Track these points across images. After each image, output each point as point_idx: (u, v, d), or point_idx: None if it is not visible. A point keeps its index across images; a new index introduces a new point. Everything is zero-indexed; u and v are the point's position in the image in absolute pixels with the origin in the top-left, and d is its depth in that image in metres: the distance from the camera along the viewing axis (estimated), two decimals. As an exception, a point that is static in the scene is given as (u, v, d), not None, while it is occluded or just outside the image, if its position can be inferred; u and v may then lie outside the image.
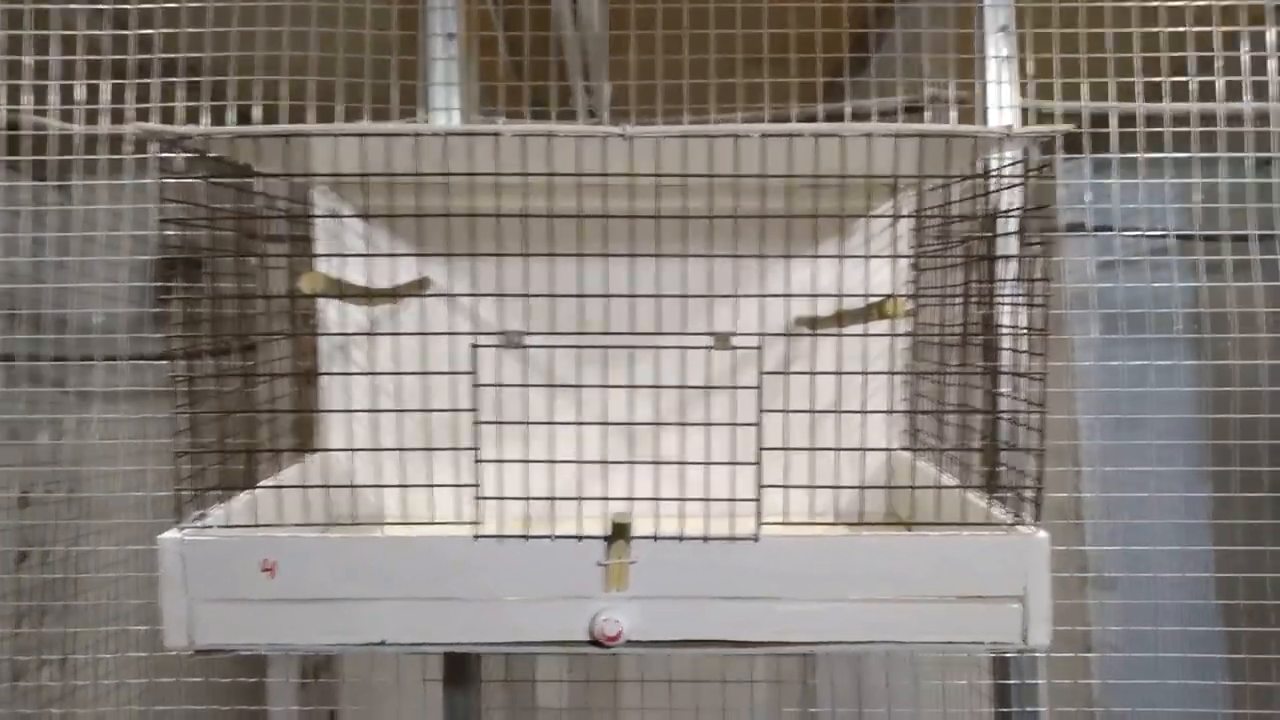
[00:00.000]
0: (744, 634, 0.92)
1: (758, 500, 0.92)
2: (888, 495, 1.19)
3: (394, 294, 1.04)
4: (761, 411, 0.92)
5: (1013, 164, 1.02)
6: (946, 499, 1.05)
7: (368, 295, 0.91)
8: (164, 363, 0.91)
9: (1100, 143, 1.38)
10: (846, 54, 1.52)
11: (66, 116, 1.30)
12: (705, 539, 0.91)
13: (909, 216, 1.22)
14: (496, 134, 0.89)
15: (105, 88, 1.29)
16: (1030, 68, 1.39)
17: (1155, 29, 1.39)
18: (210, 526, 0.92)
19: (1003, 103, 1.40)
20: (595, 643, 0.91)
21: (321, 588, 0.91)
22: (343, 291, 0.88)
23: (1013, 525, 0.94)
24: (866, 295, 1.05)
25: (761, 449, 0.93)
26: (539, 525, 0.92)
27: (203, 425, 0.95)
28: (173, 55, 1.32)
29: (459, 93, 1.40)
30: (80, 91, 1.29)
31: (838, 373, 0.97)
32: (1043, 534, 0.92)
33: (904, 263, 1.32)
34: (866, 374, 0.99)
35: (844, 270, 1.14)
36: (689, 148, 0.92)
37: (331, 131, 0.89)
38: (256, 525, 0.93)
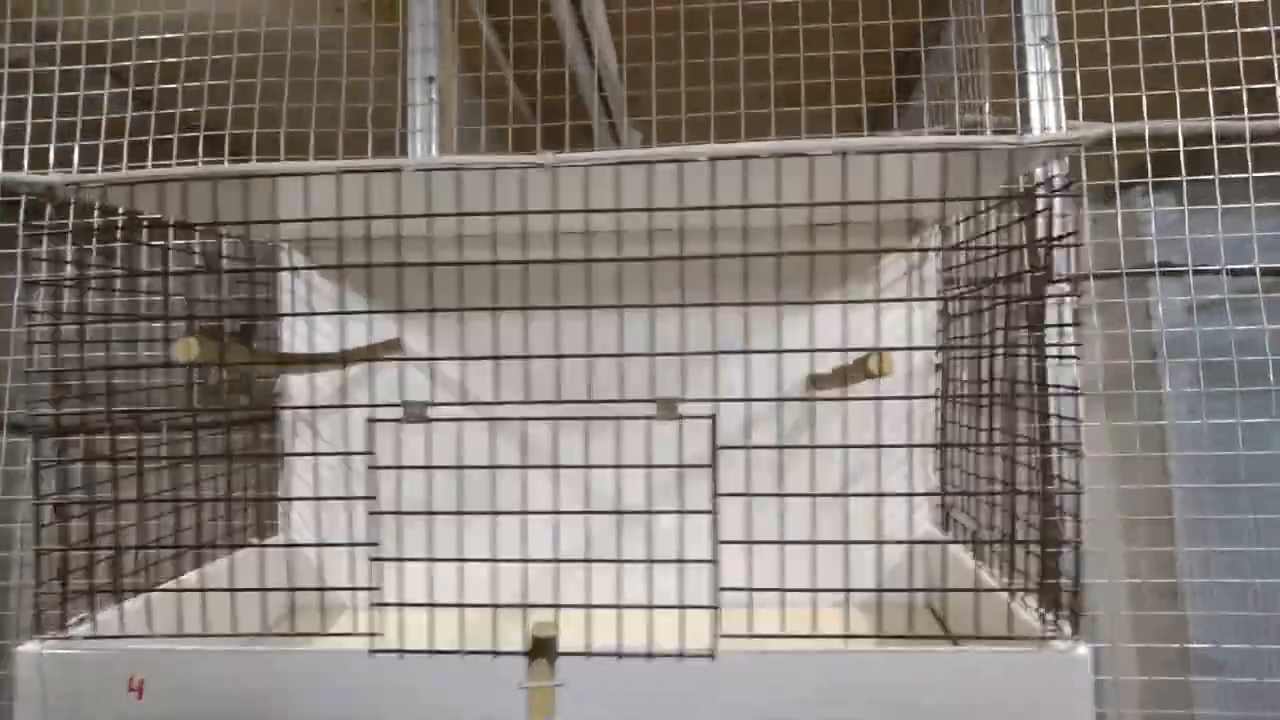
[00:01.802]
0: (701, 776, 0.74)
1: (715, 608, 0.74)
2: (923, 587, 0.99)
3: (309, 360, 0.90)
4: (716, 496, 0.75)
5: (1035, 186, 0.83)
6: (986, 603, 0.85)
7: (252, 362, 0.77)
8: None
9: (1165, 166, 1.18)
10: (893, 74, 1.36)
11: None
12: (649, 656, 0.74)
13: (931, 250, 1.03)
14: (397, 169, 0.75)
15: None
16: (1079, 84, 1.21)
17: (1231, 30, 1.18)
18: (72, 637, 0.78)
19: (1047, 124, 1.21)
20: (515, 785, 0.74)
21: (199, 711, 0.77)
22: (224, 358, 0.74)
23: (1046, 639, 0.73)
24: (871, 350, 0.86)
25: (719, 542, 0.75)
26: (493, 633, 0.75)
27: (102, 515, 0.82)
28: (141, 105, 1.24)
29: (436, 139, 1.28)
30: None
31: (810, 447, 0.79)
32: (1082, 649, 0.72)
33: (930, 312, 1.14)
34: (846, 447, 0.80)
35: (849, 322, 0.96)
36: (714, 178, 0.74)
37: (204, 174, 0.76)
38: (122, 636, 0.79)
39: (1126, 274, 1.33)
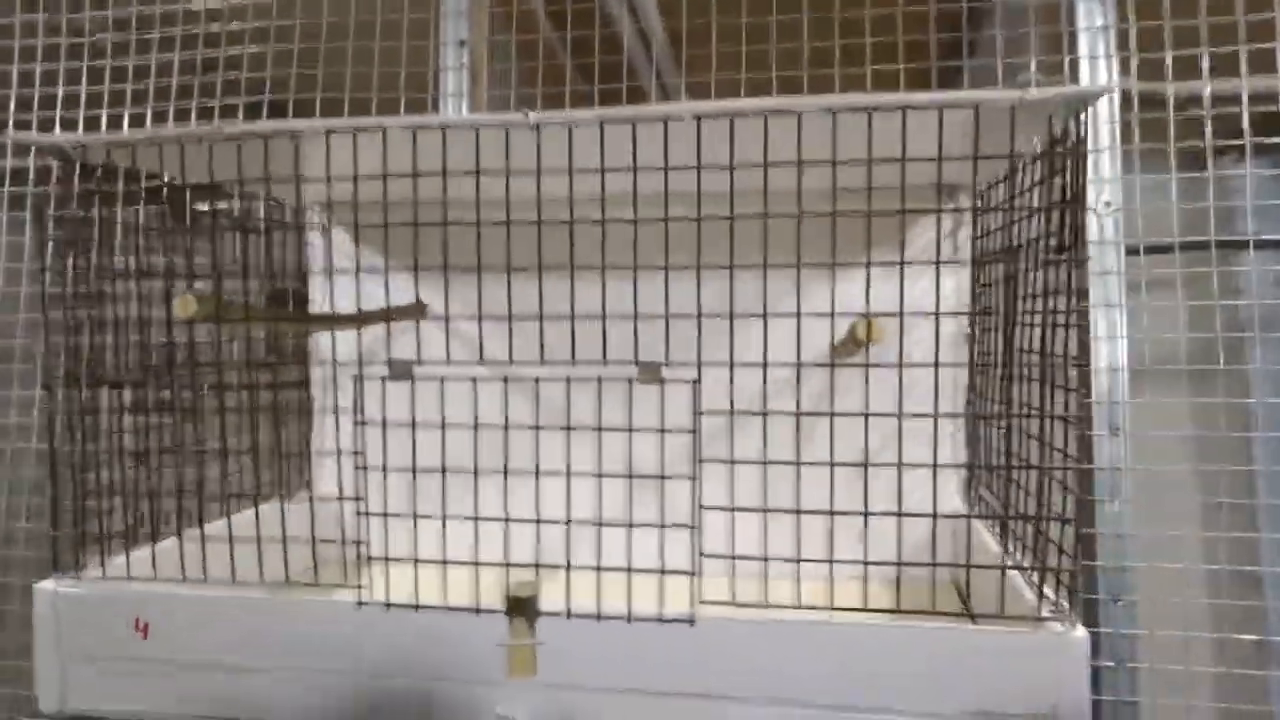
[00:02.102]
0: (678, 742, 0.73)
1: (693, 574, 0.73)
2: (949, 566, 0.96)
3: (320, 320, 0.91)
4: (699, 462, 0.74)
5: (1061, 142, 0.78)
6: (995, 580, 0.82)
7: (247, 319, 0.78)
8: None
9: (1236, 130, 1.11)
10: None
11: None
12: (629, 619, 0.73)
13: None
14: (381, 128, 0.75)
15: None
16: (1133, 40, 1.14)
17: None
18: (82, 578, 0.82)
19: (1098, 84, 1.15)
20: (494, 740, 0.74)
21: (196, 653, 0.79)
22: (221, 316, 0.76)
23: (1041, 620, 0.70)
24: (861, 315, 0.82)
25: (701, 507, 0.74)
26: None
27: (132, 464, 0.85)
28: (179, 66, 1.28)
29: (468, 103, 1.28)
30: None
31: (795, 414, 0.76)
32: (1079, 632, 0.68)
33: (963, 281, 1.09)
34: (832, 415, 0.77)
35: (875, 291, 0.92)
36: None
37: (200, 134, 0.77)
38: (129, 578, 0.82)
39: (1216, 244, 1.25)
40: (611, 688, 0.74)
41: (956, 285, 1.11)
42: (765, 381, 0.77)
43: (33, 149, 0.93)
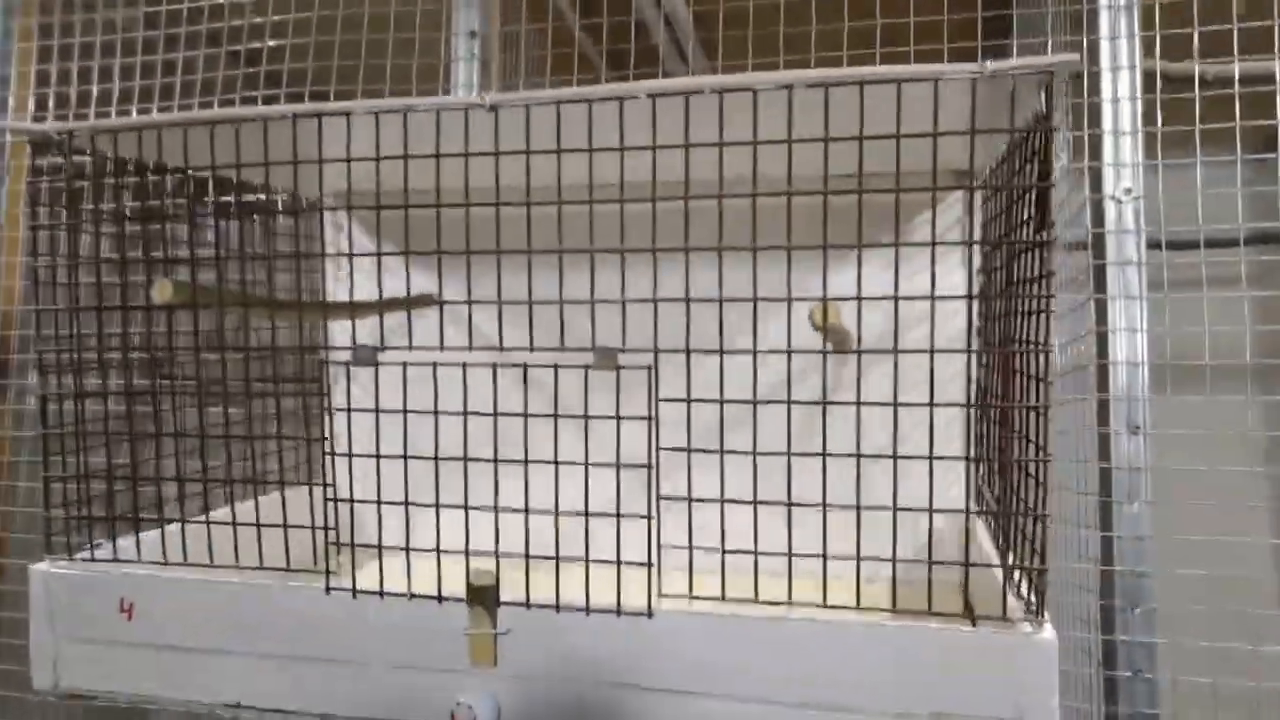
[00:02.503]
0: (636, 736, 0.72)
1: (649, 565, 0.72)
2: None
3: (287, 307, 0.92)
4: (658, 450, 0.72)
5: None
6: (980, 581, 0.79)
7: (220, 304, 0.79)
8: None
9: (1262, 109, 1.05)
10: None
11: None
12: (587, 611, 0.72)
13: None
14: (347, 113, 0.75)
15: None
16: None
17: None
18: (74, 560, 0.84)
19: (1119, 63, 1.10)
20: (456, 729, 0.74)
21: (176, 635, 0.81)
22: (198, 300, 0.77)
23: (1007, 620, 0.67)
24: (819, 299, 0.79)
25: (660, 498, 0.73)
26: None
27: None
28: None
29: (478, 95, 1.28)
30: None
31: (761, 403, 0.74)
32: (1047, 633, 0.65)
33: (969, 273, 1.06)
34: (789, 403, 0.75)
35: (873, 283, 0.89)
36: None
37: (179, 121, 0.79)
38: (116, 560, 0.84)
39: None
40: (570, 678, 0.73)
41: (964, 281, 1.07)
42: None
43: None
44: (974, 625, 0.67)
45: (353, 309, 1.06)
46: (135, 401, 0.88)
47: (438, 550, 0.74)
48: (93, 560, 0.84)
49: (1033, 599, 0.67)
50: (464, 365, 0.74)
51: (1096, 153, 1.10)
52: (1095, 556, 1.08)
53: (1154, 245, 1.09)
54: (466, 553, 0.73)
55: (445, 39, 1.28)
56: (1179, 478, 1.07)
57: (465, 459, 0.75)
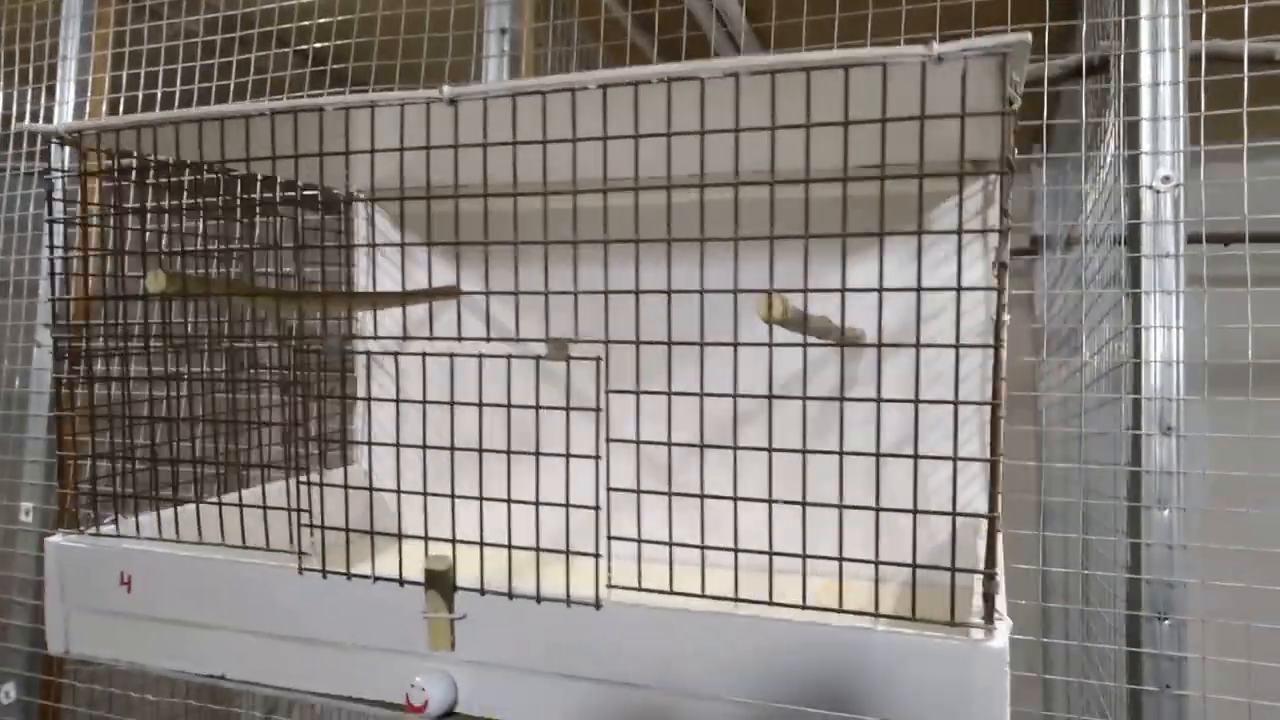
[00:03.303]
0: (582, 728, 0.72)
1: (597, 555, 0.71)
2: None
3: (282, 295, 0.95)
4: (609, 441, 0.72)
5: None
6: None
7: (207, 293, 0.83)
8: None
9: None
10: None
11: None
12: (538, 599, 0.72)
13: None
14: (319, 109, 0.77)
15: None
16: None
17: None
18: (83, 534, 0.89)
19: (1161, 45, 1.03)
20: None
21: (169, 608, 0.85)
22: (187, 289, 0.81)
23: (955, 624, 0.64)
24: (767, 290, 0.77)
25: (610, 490, 0.72)
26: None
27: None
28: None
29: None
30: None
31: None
32: (997, 641, 0.62)
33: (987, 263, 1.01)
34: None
35: (892, 280, 0.86)
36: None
37: (174, 119, 0.82)
38: (119, 536, 0.88)
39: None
40: (523, 667, 0.73)
41: (985, 272, 1.02)
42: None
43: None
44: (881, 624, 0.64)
45: (374, 299, 1.09)
46: (155, 388, 0.92)
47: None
48: (98, 535, 0.89)
49: (982, 605, 0.64)
50: (423, 355, 0.75)
51: (1134, 140, 1.04)
52: (1125, 563, 1.02)
53: (1194, 239, 1.02)
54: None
55: (477, 35, 1.30)
56: (1217, 484, 1.00)
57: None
